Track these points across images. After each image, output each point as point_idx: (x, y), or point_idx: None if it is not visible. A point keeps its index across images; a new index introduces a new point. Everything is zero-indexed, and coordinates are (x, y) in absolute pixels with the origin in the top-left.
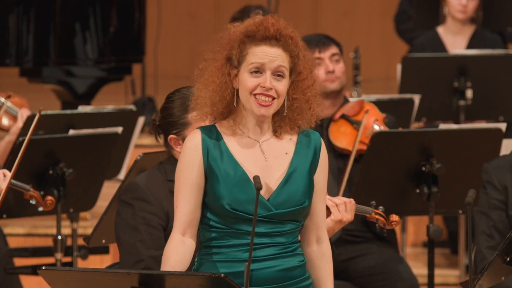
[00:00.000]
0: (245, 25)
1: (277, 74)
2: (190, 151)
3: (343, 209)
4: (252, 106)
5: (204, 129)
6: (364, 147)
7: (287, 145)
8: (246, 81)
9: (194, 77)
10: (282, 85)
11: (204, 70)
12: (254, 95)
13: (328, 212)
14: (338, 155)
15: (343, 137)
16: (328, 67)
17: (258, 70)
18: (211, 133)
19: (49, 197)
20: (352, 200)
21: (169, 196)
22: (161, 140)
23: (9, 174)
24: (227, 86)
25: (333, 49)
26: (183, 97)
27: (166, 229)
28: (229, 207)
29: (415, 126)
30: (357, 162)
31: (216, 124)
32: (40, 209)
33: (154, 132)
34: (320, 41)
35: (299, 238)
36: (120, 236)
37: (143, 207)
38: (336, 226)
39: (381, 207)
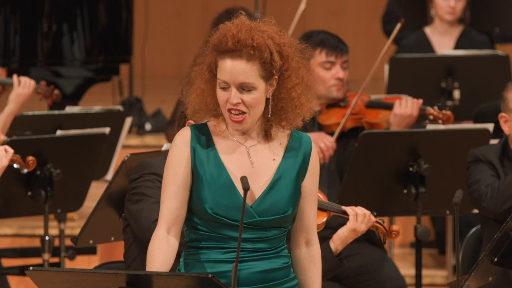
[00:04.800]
0: (214, 35)
1: (244, 88)
2: (179, 148)
3: (361, 220)
4: (228, 121)
5: (194, 128)
6: (356, 121)
7: (276, 150)
8: (218, 95)
9: (191, 80)
10: (250, 97)
11: (194, 73)
12: (228, 110)
13: (346, 219)
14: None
15: (332, 116)
16: (339, 74)
17: (224, 86)
18: (201, 133)
19: (30, 157)
20: (370, 214)
21: None
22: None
23: (10, 150)
24: (209, 93)
25: (346, 56)
26: None
27: None
28: (211, 211)
29: None
30: (351, 136)
31: (208, 123)
32: (25, 171)
33: (177, 124)
34: (338, 46)
35: (285, 242)
36: (136, 203)
37: (157, 179)
38: (349, 235)
39: (381, 219)
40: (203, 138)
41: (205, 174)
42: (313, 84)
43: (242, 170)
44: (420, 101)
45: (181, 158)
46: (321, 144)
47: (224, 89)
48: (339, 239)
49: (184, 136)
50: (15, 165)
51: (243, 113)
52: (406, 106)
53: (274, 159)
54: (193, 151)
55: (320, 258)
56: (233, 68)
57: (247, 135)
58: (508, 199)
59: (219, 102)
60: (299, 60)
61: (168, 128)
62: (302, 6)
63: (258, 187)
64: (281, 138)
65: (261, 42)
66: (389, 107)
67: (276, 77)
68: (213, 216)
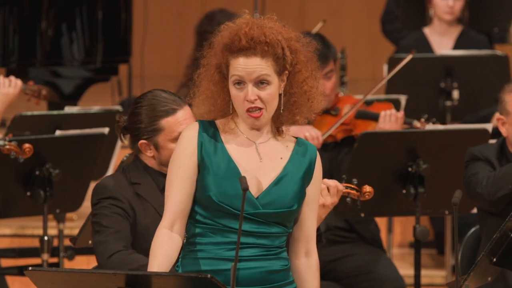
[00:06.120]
0: (224, 34)
1: (260, 82)
2: (185, 142)
3: (326, 194)
4: (245, 119)
5: (203, 123)
6: (347, 131)
7: (283, 151)
8: (233, 95)
9: (196, 84)
10: (266, 93)
11: (200, 75)
12: (246, 110)
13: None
14: (324, 150)
15: (324, 125)
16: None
17: (240, 82)
18: (209, 128)
19: (27, 145)
20: (337, 184)
21: (134, 198)
22: (126, 141)
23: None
24: (219, 94)
25: (330, 66)
26: (152, 103)
27: (131, 227)
28: (216, 199)
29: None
30: (343, 145)
31: (216, 121)
32: (21, 159)
33: (119, 134)
34: (319, 58)
35: (285, 245)
36: (95, 234)
37: (114, 203)
38: (320, 211)
39: (354, 180)
40: (211, 132)
41: (211, 164)
42: (320, 77)
43: (250, 163)
44: (401, 113)
45: (187, 152)
46: (307, 134)
47: (239, 87)
48: None
49: (191, 130)
50: (12, 155)
51: (260, 109)
52: (390, 121)
53: (281, 158)
54: (200, 145)
55: (318, 269)
56: (248, 65)
57: (258, 132)
58: (502, 188)
59: (236, 102)
60: (306, 53)
61: None
62: (319, 24)
63: (266, 180)
64: (288, 141)
65: (273, 38)
66: (378, 118)
67: (287, 72)
68: (218, 205)
